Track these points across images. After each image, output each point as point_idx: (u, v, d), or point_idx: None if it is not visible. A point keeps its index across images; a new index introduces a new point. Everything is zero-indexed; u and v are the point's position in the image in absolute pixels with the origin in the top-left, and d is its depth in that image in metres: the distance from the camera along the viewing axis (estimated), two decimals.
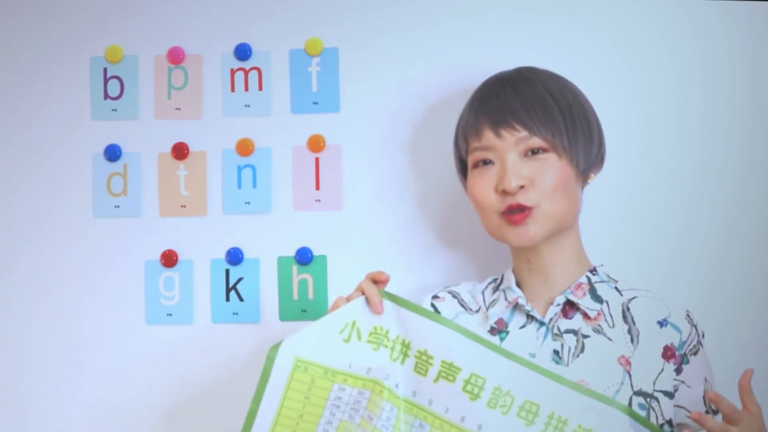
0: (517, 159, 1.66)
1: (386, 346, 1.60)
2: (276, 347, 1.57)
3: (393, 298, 1.61)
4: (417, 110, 1.97)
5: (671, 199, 1.93)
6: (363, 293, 1.62)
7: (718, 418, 1.64)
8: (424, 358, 1.59)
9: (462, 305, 1.76)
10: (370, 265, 1.94)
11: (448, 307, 1.76)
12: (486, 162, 1.69)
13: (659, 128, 1.92)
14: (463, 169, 1.78)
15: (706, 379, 1.68)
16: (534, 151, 1.67)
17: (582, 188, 1.74)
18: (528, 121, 1.66)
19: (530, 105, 1.67)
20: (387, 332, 1.60)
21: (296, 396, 1.57)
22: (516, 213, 1.66)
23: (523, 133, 1.66)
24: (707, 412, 1.66)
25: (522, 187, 1.65)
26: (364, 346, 1.59)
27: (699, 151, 1.93)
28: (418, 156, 1.97)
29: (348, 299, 1.62)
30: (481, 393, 1.56)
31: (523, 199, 1.65)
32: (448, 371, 1.57)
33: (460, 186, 1.92)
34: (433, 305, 1.77)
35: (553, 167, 1.67)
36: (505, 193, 1.66)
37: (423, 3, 1.96)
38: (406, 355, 1.60)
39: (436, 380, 1.57)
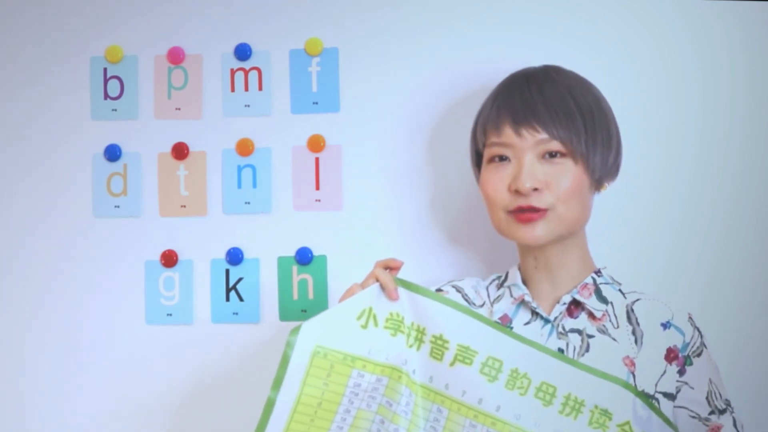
0: (534, 160, 1.66)
1: (402, 332, 1.60)
2: (295, 332, 1.56)
3: (406, 284, 1.62)
4: (417, 110, 1.97)
5: (671, 200, 1.93)
6: (377, 280, 1.62)
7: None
8: (439, 342, 1.59)
9: (466, 299, 1.76)
10: (370, 265, 1.94)
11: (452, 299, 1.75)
12: (502, 158, 1.69)
13: (659, 128, 1.92)
14: (478, 161, 1.77)
15: (710, 380, 1.68)
16: (551, 155, 1.66)
17: (593, 195, 1.73)
18: (549, 123, 1.66)
19: (553, 108, 1.67)
20: (402, 319, 1.61)
21: (315, 383, 1.56)
22: (527, 212, 1.65)
23: (543, 135, 1.66)
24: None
25: (536, 189, 1.65)
26: (381, 332, 1.59)
27: (699, 151, 1.93)
28: (418, 156, 1.97)
29: (362, 286, 1.62)
30: (499, 375, 1.57)
31: (536, 201, 1.65)
32: (465, 354, 1.58)
33: (463, 185, 1.93)
34: None
35: (568, 173, 1.66)
36: (517, 192, 1.66)
37: (423, 3, 1.96)
38: (421, 341, 1.60)
39: (452, 364, 1.58)
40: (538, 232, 1.66)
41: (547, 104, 1.67)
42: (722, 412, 1.67)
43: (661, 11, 1.93)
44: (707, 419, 1.66)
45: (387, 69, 1.97)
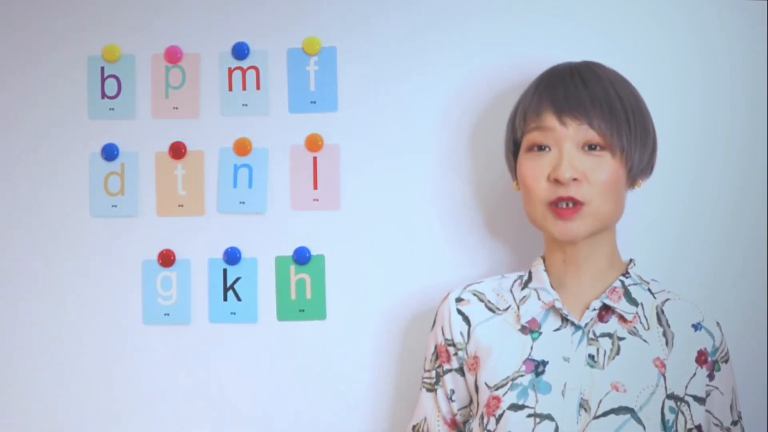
0: (574, 150, 1.66)
1: None
2: None
3: None
4: (415, 109, 1.96)
5: (670, 200, 1.92)
6: None
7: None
8: None
9: (489, 308, 1.74)
10: (368, 265, 1.96)
11: (475, 311, 1.74)
12: (541, 148, 1.68)
13: (659, 128, 1.91)
14: (515, 150, 1.75)
15: (733, 389, 1.69)
16: (591, 147, 1.67)
17: (627, 192, 1.73)
18: (592, 114, 1.66)
19: (597, 100, 1.67)
20: None
21: None
22: (566, 207, 1.65)
23: (585, 125, 1.66)
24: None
25: (575, 180, 1.65)
26: None
27: (699, 151, 1.92)
28: (416, 154, 1.96)
29: None
30: None
31: (575, 192, 1.65)
32: None
33: (462, 184, 1.93)
34: (459, 311, 1.75)
35: (607, 165, 1.66)
36: (557, 182, 1.65)
37: (421, 2, 1.96)
38: None
39: None
40: (574, 228, 1.65)
41: (591, 96, 1.67)
42: (735, 423, 1.69)
43: (661, 11, 1.93)
44: (728, 429, 1.68)
45: (385, 68, 1.97)
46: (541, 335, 1.68)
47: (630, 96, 1.72)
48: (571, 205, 1.65)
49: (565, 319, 1.69)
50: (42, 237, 2.00)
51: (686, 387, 1.65)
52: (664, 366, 1.64)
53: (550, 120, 1.67)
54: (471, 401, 1.74)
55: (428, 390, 1.78)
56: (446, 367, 1.75)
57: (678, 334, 1.67)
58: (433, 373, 1.77)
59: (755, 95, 1.92)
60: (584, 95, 1.67)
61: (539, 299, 1.71)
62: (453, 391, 1.75)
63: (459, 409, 1.76)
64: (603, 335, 1.67)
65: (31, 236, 2.00)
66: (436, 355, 1.77)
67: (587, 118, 1.66)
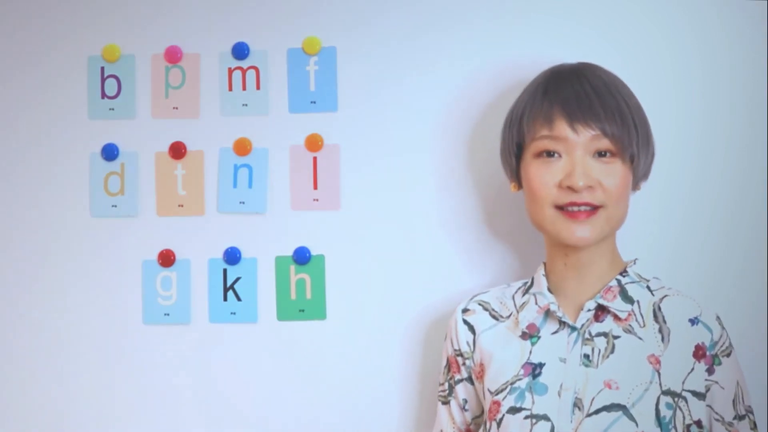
0: (587, 157, 1.66)
1: None
2: None
3: None
4: (415, 109, 1.96)
5: (670, 200, 1.92)
6: None
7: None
8: None
9: (493, 316, 1.75)
10: (368, 265, 1.95)
11: (480, 320, 1.76)
12: (550, 154, 1.68)
13: (659, 129, 1.91)
14: (517, 153, 1.74)
15: (737, 383, 1.68)
16: (601, 154, 1.67)
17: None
18: (604, 121, 1.66)
19: (608, 107, 1.67)
20: None
21: None
22: (579, 210, 1.65)
23: (598, 132, 1.66)
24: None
25: (589, 187, 1.65)
26: None
27: (699, 151, 1.92)
28: (416, 154, 1.96)
29: None
30: None
31: (590, 197, 1.65)
32: None
33: (462, 184, 1.94)
34: (465, 321, 1.77)
35: (618, 171, 1.67)
36: (569, 189, 1.65)
37: (421, 2, 1.96)
38: None
39: None
40: (586, 233, 1.66)
41: (603, 103, 1.67)
42: (741, 417, 1.68)
43: (660, 10, 1.93)
44: (730, 424, 1.67)
45: (385, 68, 1.97)
46: (540, 339, 1.69)
47: (633, 101, 1.72)
48: (586, 209, 1.66)
49: (562, 322, 1.69)
50: (42, 237, 2.00)
51: (683, 382, 1.64)
52: (658, 362, 1.64)
53: (563, 129, 1.66)
54: (483, 410, 1.76)
55: (443, 403, 1.80)
56: (457, 377, 1.77)
57: (674, 330, 1.67)
58: (446, 386, 1.79)
59: (755, 95, 1.92)
60: (596, 103, 1.67)
61: (536, 304, 1.72)
62: (466, 401, 1.77)
63: (473, 419, 1.79)
64: (598, 335, 1.67)
65: (31, 236, 2.00)
66: (448, 367, 1.79)
67: (599, 125, 1.66)
